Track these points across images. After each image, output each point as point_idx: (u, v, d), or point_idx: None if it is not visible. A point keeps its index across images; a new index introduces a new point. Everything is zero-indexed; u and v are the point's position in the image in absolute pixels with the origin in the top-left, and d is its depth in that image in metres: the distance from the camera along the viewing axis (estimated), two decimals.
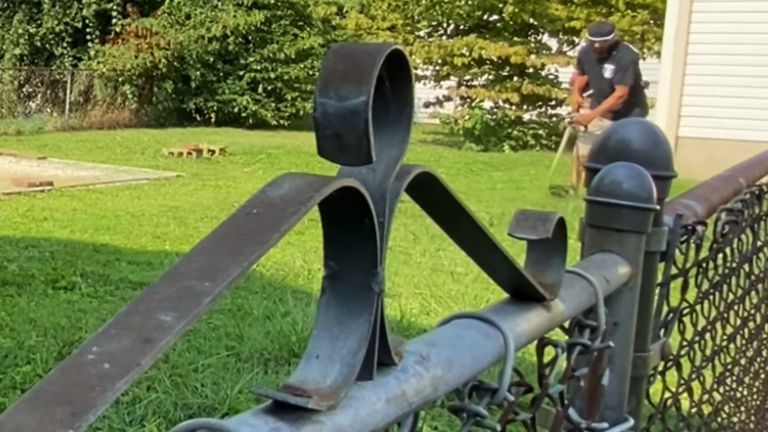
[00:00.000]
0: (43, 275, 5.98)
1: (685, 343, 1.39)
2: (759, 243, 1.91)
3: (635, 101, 9.77)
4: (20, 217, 8.43)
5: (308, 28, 20.01)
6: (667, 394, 1.29)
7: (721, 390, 1.79)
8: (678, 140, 12.40)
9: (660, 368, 1.23)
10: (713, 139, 12.24)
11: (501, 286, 0.75)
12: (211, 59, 19.28)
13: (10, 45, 19.11)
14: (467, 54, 17.35)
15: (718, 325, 1.62)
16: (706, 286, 1.46)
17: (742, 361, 2.00)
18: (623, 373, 1.07)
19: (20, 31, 18.97)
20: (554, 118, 17.57)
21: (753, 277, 1.91)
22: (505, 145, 16.66)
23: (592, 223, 1.05)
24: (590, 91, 10.13)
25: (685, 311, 1.33)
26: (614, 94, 9.59)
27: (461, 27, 18.39)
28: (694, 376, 1.46)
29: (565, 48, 18.06)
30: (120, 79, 19.01)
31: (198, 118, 19.89)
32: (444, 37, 18.46)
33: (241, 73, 19.49)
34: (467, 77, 17.94)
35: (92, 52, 19.13)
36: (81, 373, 0.39)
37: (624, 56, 9.65)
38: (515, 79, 17.28)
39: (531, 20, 17.46)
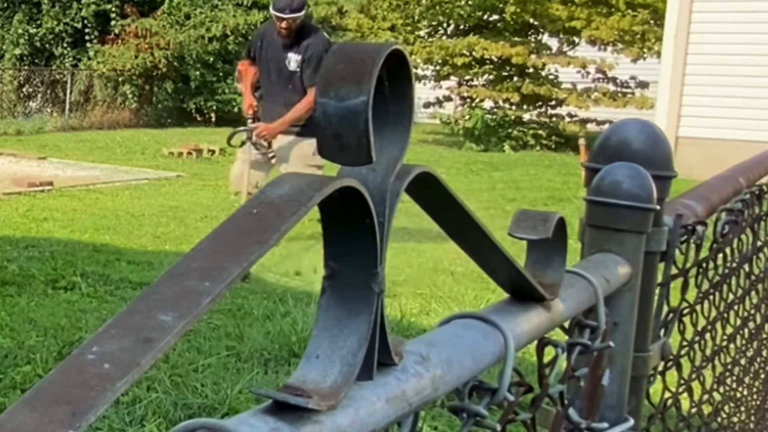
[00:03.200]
0: (43, 275, 5.98)
1: (685, 343, 1.39)
2: (759, 243, 1.91)
3: None
4: (20, 217, 8.43)
5: None
6: (667, 394, 1.29)
7: (721, 390, 1.79)
8: (678, 140, 12.40)
9: (660, 368, 1.23)
10: (713, 139, 12.24)
11: (501, 286, 0.75)
12: (211, 59, 19.28)
13: (10, 45, 19.12)
14: (468, 54, 17.36)
15: (718, 325, 1.62)
16: (706, 286, 1.46)
17: (742, 361, 2.00)
18: (623, 373, 1.07)
19: (20, 31, 18.97)
20: (554, 118, 17.57)
21: (753, 277, 1.91)
22: (505, 145, 16.67)
23: (592, 223, 1.05)
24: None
25: (685, 311, 1.33)
26: (307, 98, 6.67)
27: (461, 27, 18.40)
28: (694, 376, 1.46)
29: (565, 48, 18.05)
30: (120, 79, 19.01)
31: (198, 118, 19.89)
32: (444, 37, 18.47)
33: None
34: (467, 77, 17.94)
35: (92, 52, 19.14)
36: (81, 373, 0.39)
37: (315, 44, 6.79)
38: (515, 79, 17.29)
39: (531, 20, 17.47)
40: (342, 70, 0.49)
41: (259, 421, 0.46)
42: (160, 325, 0.40)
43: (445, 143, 17.47)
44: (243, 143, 6.84)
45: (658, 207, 1.05)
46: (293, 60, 6.78)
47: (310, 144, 6.60)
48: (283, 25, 6.68)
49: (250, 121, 6.78)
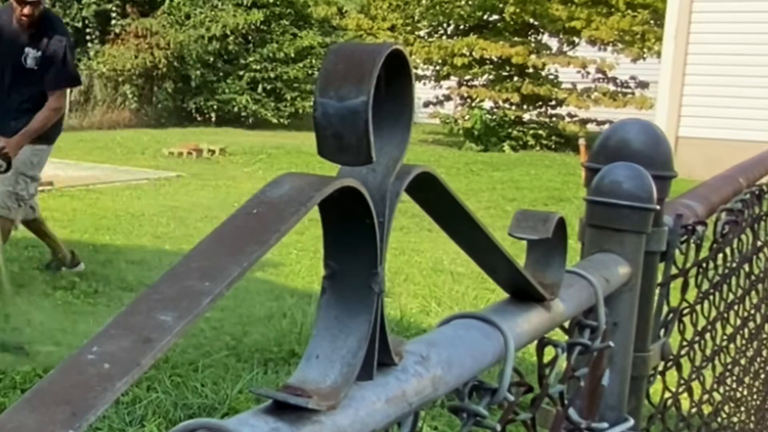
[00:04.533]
0: (43, 275, 5.98)
1: (685, 343, 1.39)
2: (759, 243, 1.91)
3: (62, 113, 5.80)
4: None
5: (308, 28, 20.01)
6: (667, 394, 1.29)
7: (721, 390, 1.79)
8: (678, 140, 12.40)
9: (660, 368, 1.23)
10: (713, 139, 12.24)
11: (501, 286, 0.75)
12: (211, 59, 19.29)
13: None
14: (468, 54, 17.34)
15: (718, 325, 1.62)
16: (706, 286, 1.46)
17: (742, 361, 2.00)
18: (623, 373, 1.07)
19: None
20: (554, 118, 17.56)
21: (753, 277, 1.91)
22: (505, 145, 16.66)
23: (592, 223, 1.05)
24: None
25: (685, 311, 1.33)
26: (48, 104, 5.54)
27: (461, 27, 18.39)
28: (694, 376, 1.46)
29: (565, 48, 18.05)
30: (120, 79, 19.01)
31: (198, 118, 19.88)
32: (444, 38, 18.46)
33: (241, 72, 19.50)
34: (467, 77, 17.93)
35: (92, 52, 19.13)
36: (81, 373, 0.39)
37: (57, 40, 5.62)
38: (515, 79, 17.28)
39: (531, 20, 17.46)
40: (342, 70, 0.49)
41: (259, 421, 0.46)
42: (160, 325, 0.40)
43: (445, 143, 17.46)
44: None
45: (658, 207, 1.05)
46: (31, 56, 5.59)
47: (33, 152, 5.62)
48: (26, 11, 5.49)
49: None
